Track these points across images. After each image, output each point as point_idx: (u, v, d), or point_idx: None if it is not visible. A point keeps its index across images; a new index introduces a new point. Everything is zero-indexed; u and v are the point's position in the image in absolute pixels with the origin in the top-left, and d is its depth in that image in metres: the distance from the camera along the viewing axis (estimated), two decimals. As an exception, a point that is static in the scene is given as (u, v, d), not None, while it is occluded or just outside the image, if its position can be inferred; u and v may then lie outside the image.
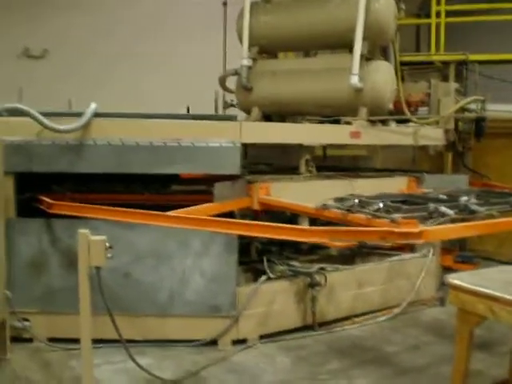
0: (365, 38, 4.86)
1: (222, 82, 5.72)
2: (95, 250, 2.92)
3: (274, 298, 4.37)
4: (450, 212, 3.32)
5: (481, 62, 6.14)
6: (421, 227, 3.03)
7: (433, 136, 5.43)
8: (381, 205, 3.39)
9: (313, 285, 4.46)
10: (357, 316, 4.79)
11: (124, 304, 4.09)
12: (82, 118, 3.99)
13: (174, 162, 4.06)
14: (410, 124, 5.38)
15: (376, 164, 7.19)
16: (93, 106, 4.10)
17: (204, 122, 4.15)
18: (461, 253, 6.07)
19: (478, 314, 2.84)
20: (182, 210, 3.71)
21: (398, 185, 5.09)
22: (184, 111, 6.59)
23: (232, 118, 4.22)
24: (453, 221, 3.41)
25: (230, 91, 5.76)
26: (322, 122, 5.50)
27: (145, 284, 4.12)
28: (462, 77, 6.16)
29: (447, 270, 5.92)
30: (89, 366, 3.05)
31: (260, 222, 3.35)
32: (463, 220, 3.37)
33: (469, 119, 5.68)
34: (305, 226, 4.77)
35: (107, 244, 2.94)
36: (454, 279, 2.97)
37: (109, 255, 2.95)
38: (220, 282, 4.15)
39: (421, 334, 4.58)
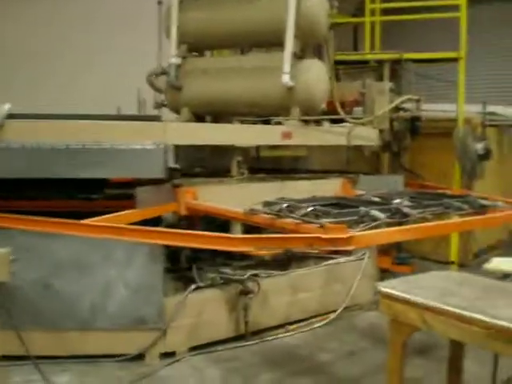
0: (296, 36, 4.70)
1: (150, 80, 5.45)
2: (-2, 264, 2.63)
3: (204, 308, 4.16)
4: (381, 216, 3.18)
5: (416, 61, 6.07)
6: (350, 233, 2.88)
7: (367, 136, 5.32)
8: (309, 209, 3.22)
9: (245, 292, 4.27)
10: (292, 323, 4.63)
11: (45, 318, 3.85)
12: (-7, 121, 3.69)
13: (92, 165, 3.80)
14: (345, 124, 5.24)
15: (313, 165, 7.06)
16: (5, 106, 3.80)
17: (126, 122, 3.91)
18: (398, 254, 5.98)
19: (410, 324, 2.71)
20: (101, 217, 3.45)
21: (332, 187, 4.96)
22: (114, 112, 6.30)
23: (156, 119, 3.98)
24: (386, 225, 3.27)
25: (160, 91, 5.50)
26: (255, 123, 5.34)
27: (66, 296, 3.85)
28: (397, 76, 6.08)
29: (385, 272, 5.86)
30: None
31: (180, 231, 3.13)
32: (395, 224, 3.23)
33: (403, 119, 5.59)
34: (237, 232, 4.60)
35: (11, 257, 2.65)
36: (384, 287, 2.83)
37: (13, 269, 2.67)
38: (145, 293, 3.91)
39: (357, 340, 4.45)
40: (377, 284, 2.92)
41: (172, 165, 6.02)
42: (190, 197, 4.11)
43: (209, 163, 5.66)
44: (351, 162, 6.87)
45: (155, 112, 5.86)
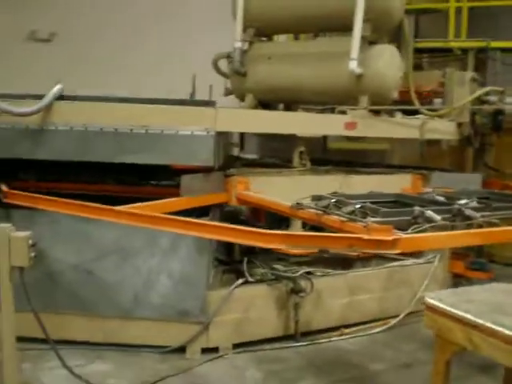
0: (367, 20, 4.36)
1: (216, 65, 5.29)
2: (16, 248, 2.54)
3: (251, 304, 3.96)
4: (437, 218, 2.84)
5: (504, 50, 5.56)
6: (395, 235, 2.57)
7: (443, 129, 4.90)
8: (357, 206, 2.93)
9: (296, 291, 4.03)
10: (348, 327, 4.34)
11: (85, 303, 3.78)
12: (41, 101, 3.64)
13: (139, 150, 3.68)
14: (420, 116, 4.86)
15: (393, 160, 6.67)
16: (56, 87, 3.74)
17: (176, 107, 3.74)
18: (475, 259, 5.51)
19: (455, 343, 2.39)
20: (140, 204, 3.32)
21: (400, 183, 4.60)
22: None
23: (209, 104, 3.79)
24: (443, 227, 2.93)
25: (226, 76, 5.32)
26: (323, 111, 5.06)
27: (108, 283, 3.78)
28: (483, 66, 5.60)
29: (458, 277, 5.43)
30: (12, 370, 2.69)
31: (211, 223, 2.93)
32: (454, 227, 2.89)
33: (486, 112, 5.12)
34: (296, 228, 4.37)
35: (31, 241, 2.55)
36: (430, 298, 2.52)
37: (33, 254, 2.57)
38: (189, 285, 3.77)
39: (416, 350, 4.10)
40: (423, 294, 2.61)
41: (234, 153, 5.95)
42: (241, 187, 3.92)
43: (282, 153, 5.44)
44: (432, 158, 6.47)
45: (224, 99, 5.70)
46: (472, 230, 2.83)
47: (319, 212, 3.07)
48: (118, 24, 7.81)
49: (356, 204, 3.00)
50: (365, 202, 3.08)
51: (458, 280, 5.44)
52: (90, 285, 3.76)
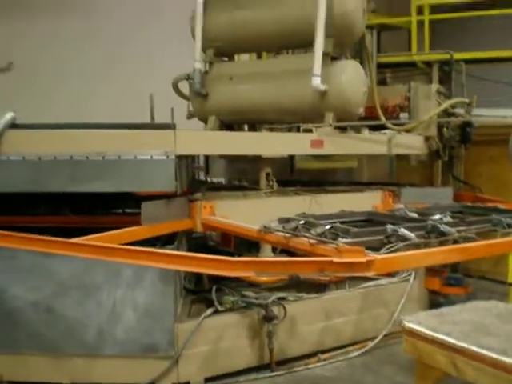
0: (329, 35, 4.26)
1: (176, 87, 5.13)
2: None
3: (222, 334, 3.77)
4: (411, 235, 2.71)
5: (468, 62, 5.52)
6: (368, 256, 2.42)
7: (411, 144, 4.81)
8: (327, 227, 2.78)
9: (268, 318, 3.85)
10: (324, 352, 4.17)
11: (47, 343, 3.57)
12: (-9, 131, 3.44)
13: (96, 178, 3.49)
14: (387, 132, 4.76)
15: (363, 177, 6.58)
16: (8, 115, 3.54)
17: (133, 131, 3.57)
18: (451, 274, 5.41)
19: (437, 368, 2.23)
20: (98, 235, 3.12)
21: (371, 200, 4.49)
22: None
23: (168, 127, 3.63)
24: (417, 246, 2.79)
25: (188, 98, 5.17)
26: (290, 131, 4.94)
27: (70, 320, 3.56)
28: (448, 78, 5.55)
29: (435, 294, 5.31)
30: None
31: (171, 252, 2.75)
32: (428, 245, 2.75)
33: (454, 124, 5.05)
34: (267, 253, 4.21)
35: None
36: (409, 322, 2.36)
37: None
38: (155, 317, 3.58)
39: (396, 372, 3.94)
40: (400, 318, 2.46)
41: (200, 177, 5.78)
42: (206, 212, 3.75)
43: (250, 175, 5.29)
44: (401, 173, 6.39)
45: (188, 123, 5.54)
46: (449, 247, 2.70)
47: (287, 235, 2.92)
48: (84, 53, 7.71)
49: (325, 225, 2.85)
50: (335, 223, 2.93)
51: (434, 297, 5.33)
52: (51, 322, 3.56)
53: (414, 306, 4.74)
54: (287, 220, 3.14)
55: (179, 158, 3.63)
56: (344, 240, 2.64)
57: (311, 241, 2.73)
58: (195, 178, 5.66)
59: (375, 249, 2.65)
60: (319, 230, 2.77)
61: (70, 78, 7.88)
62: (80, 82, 7.62)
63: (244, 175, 5.68)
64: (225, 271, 2.58)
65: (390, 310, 4.48)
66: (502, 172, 5.86)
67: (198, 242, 4.91)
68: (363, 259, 2.40)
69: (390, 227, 2.78)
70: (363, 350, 4.22)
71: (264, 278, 3.42)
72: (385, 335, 4.35)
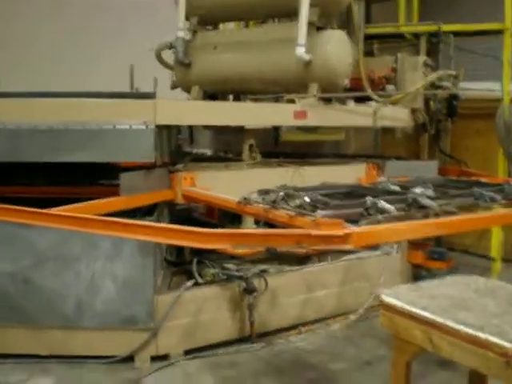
0: (314, 4, 4.17)
1: (159, 56, 5.02)
2: None
3: (202, 307, 3.74)
4: (391, 208, 2.67)
5: (456, 34, 5.44)
6: (347, 229, 2.38)
7: (396, 116, 4.75)
8: (306, 199, 2.73)
9: (249, 291, 3.83)
10: (305, 324, 4.17)
11: (25, 314, 3.52)
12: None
13: (75, 148, 3.41)
14: (372, 103, 4.69)
15: (349, 150, 6.52)
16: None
17: (113, 100, 3.49)
18: (434, 248, 5.40)
19: (414, 344, 2.21)
20: (74, 205, 3.06)
21: (355, 173, 4.44)
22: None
23: (148, 96, 3.55)
24: (397, 218, 2.75)
25: (171, 67, 5.06)
26: (277, 101, 4.86)
27: (47, 291, 3.51)
28: (435, 51, 5.46)
29: (418, 267, 5.31)
30: None
31: (145, 223, 2.70)
32: (408, 218, 2.71)
33: (441, 97, 4.99)
34: (249, 225, 4.16)
35: None
36: (386, 296, 2.34)
37: None
38: (135, 289, 3.54)
39: (377, 346, 3.94)
40: (376, 291, 2.43)
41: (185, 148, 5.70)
42: (187, 183, 3.69)
43: (235, 147, 5.22)
44: (387, 146, 6.34)
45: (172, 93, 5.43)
46: (429, 220, 2.66)
47: (266, 207, 2.87)
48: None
49: (305, 197, 2.80)
50: (313, 195, 2.88)
51: (417, 271, 5.33)
52: (28, 294, 3.50)
53: (396, 280, 4.74)
54: (267, 192, 3.08)
55: (159, 128, 3.56)
56: (323, 212, 2.59)
57: (290, 213, 2.69)
58: (180, 149, 5.58)
59: (355, 222, 2.61)
60: (298, 201, 2.72)
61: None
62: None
63: (229, 147, 5.61)
64: (199, 243, 2.53)
65: (372, 283, 4.48)
66: (488, 146, 5.82)
67: (182, 214, 4.85)
68: (340, 232, 2.36)
69: (369, 199, 2.74)
70: (344, 323, 4.23)
71: (240, 251, 3.37)
72: (366, 308, 4.35)
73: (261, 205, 2.92)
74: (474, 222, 2.88)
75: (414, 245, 5.12)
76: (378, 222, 2.56)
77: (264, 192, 3.09)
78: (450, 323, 2.03)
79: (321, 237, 2.37)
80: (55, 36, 7.54)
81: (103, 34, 7.46)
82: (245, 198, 3.02)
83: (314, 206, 2.69)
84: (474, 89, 5.54)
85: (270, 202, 2.89)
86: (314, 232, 2.37)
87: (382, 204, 2.68)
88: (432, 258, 5.21)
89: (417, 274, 5.31)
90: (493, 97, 5.71)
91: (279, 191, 2.99)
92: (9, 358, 3.48)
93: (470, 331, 1.97)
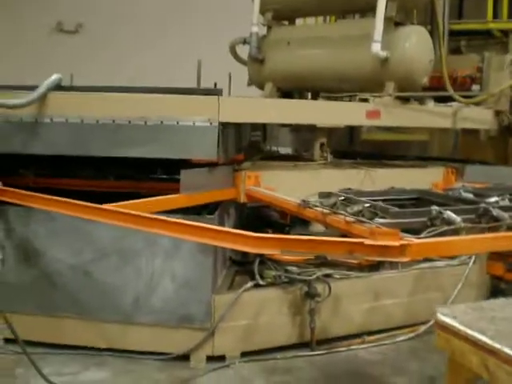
0: (391, -2, 3.98)
1: (234, 51, 4.97)
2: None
3: (261, 309, 3.65)
4: (457, 219, 2.46)
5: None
6: (404, 239, 2.21)
7: (479, 118, 4.45)
8: (366, 205, 2.58)
9: (311, 295, 3.70)
10: (371, 334, 3.99)
11: (84, 306, 3.56)
12: (34, 92, 3.41)
13: (138, 143, 3.41)
14: (454, 104, 4.42)
15: (433, 152, 6.23)
16: (52, 78, 3.50)
17: (176, 96, 3.45)
18: (516, 259, 5.04)
19: (470, 369, 2.02)
20: (133, 201, 3.05)
21: (431, 177, 4.20)
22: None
23: (214, 92, 3.49)
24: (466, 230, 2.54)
25: (245, 63, 4.99)
26: (350, 99, 4.69)
27: (107, 285, 3.54)
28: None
29: (497, 279, 4.98)
30: None
31: (197, 224, 2.62)
32: (476, 230, 2.50)
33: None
34: (318, 227, 4.04)
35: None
36: (442, 315, 2.15)
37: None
38: (193, 288, 3.49)
39: (443, 361, 3.69)
40: (436, 308, 2.25)
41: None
42: (251, 182, 3.61)
43: (310, 145, 5.10)
44: (472, 150, 6.00)
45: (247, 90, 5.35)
46: (497, 234, 2.44)
47: (325, 211, 2.74)
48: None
49: (365, 202, 2.65)
50: (377, 200, 2.72)
51: (497, 282, 5.01)
52: (88, 287, 3.54)
53: (472, 292, 4.47)
54: (328, 195, 2.95)
55: (224, 125, 3.49)
56: (381, 221, 2.43)
57: (347, 219, 2.54)
58: (255, 147, 5.51)
59: (417, 232, 2.44)
60: (357, 207, 2.57)
61: (140, 40, 7.86)
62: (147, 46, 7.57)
63: (306, 145, 5.50)
64: (247, 247, 2.43)
65: (446, 294, 4.23)
66: None
67: (253, 212, 4.78)
68: (396, 243, 2.19)
69: (435, 208, 2.55)
70: (412, 335, 4.02)
71: (288, 257, 3.26)
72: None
73: (320, 208, 2.79)
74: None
75: (495, 255, 4.80)
76: (441, 234, 2.36)
77: (325, 195, 2.96)
78: (508, 350, 1.83)
79: (374, 247, 2.21)
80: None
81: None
82: (304, 201, 2.91)
83: (373, 213, 2.53)
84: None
85: (328, 206, 2.76)
86: (368, 241, 2.22)
87: (448, 214, 2.48)
88: (513, 270, 4.88)
89: (496, 286, 4.99)
90: None
91: (340, 195, 2.85)
92: (65, 348, 3.51)
93: (531, 361, 1.77)
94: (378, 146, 6.07)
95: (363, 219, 2.47)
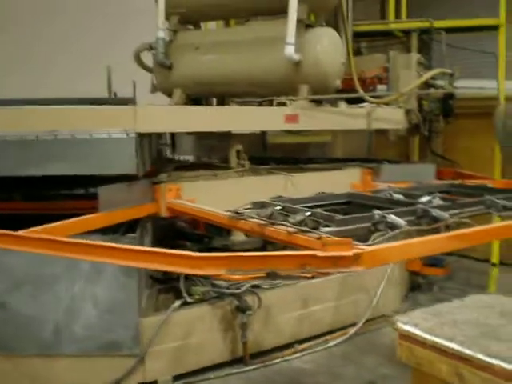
0: (302, 1, 3.90)
1: (138, 58, 4.73)
2: None
3: (191, 328, 3.48)
4: (402, 222, 2.42)
5: (448, 30, 5.21)
6: (356, 249, 2.12)
7: (391, 118, 4.50)
8: (307, 213, 2.47)
9: (242, 309, 3.56)
10: (302, 342, 3.91)
11: (2, 341, 3.25)
12: None
13: (48, 160, 3.12)
14: (365, 105, 4.44)
15: (336, 153, 6.29)
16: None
17: (89, 107, 3.19)
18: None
19: (439, 379, 1.95)
20: (49, 225, 2.76)
21: (349, 178, 4.18)
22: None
23: (128, 102, 3.26)
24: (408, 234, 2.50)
25: (151, 70, 4.76)
26: (261, 105, 4.59)
27: (24, 316, 3.24)
28: (427, 48, 5.23)
29: (414, 274, 5.09)
30: None
31: (127, 247, 2.39)
32: (422, 232, 2.47)
33: (434, 97, 4.75)
34: (239, 235, 3.89)
35: None
36: (403, 324, 2.08)
37: None
38: (118, 312, 3.26)
39: (379, 363, 3.69)
40: (394, 318, 2.17)
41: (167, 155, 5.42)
42: (172, 195, 3.40)
43: (219, 152, 4.93)
44: (376, 148, 6.11)
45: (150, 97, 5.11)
46: (446, 234, 2.40)
47: (262, 222, 2.60)
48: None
49: (305, 211, 2.54)
50: (314, 207, 2.62)
51: (414, 278, 5.12)
52: (3, 319, 3.23)
53: (394, 290, 4.52)
54: (262, 205, 2.82)
55: (141, 136, 3.27)
56: (327, 229, 2.33)
57: (290, 229, 2.42)
58: (161, 156, 5.29)
59: (361, 239, 2.35)
60: (298, 217, 2.45)
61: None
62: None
63: (213, 152, 5.34)
64: (190, 269, 2.24)
65: (370, 295, 4.25)
66: (477, 145, 5.64)
67: (165, 224, 4.57)
68: (350, 252, 2.09)
69: (377, 213, 2.48)
70: (343, 339, 3.98)
71: (237, 276, 3.11)
72: (364, 322, 4.12)
73: (256, 220, 2.65)
74: (492, 233, 2.64)
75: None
76: (390, 239, 2.29)
77: (259, 205, 2.82)
78: (482, 356, 1.78)
79: (327, 258, 2.10)
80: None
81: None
82: (237, 213, 2.75)
83: (316, 222, 2.43)
84: (469, 87, 5.33)
85: (265, 216, 2.62)
86: (320, 253, 2.10)
87: (392, 218, 2.42)
88: (430, 264, 5.00)
89: (414, 281, 5.10)
90: (485, 95, 5.52)
91: (275, 204, 2.73)
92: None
93: (506, 365, 1.72)
94: (284, 150, 6.05)
95: (307, 229, 2.36)
